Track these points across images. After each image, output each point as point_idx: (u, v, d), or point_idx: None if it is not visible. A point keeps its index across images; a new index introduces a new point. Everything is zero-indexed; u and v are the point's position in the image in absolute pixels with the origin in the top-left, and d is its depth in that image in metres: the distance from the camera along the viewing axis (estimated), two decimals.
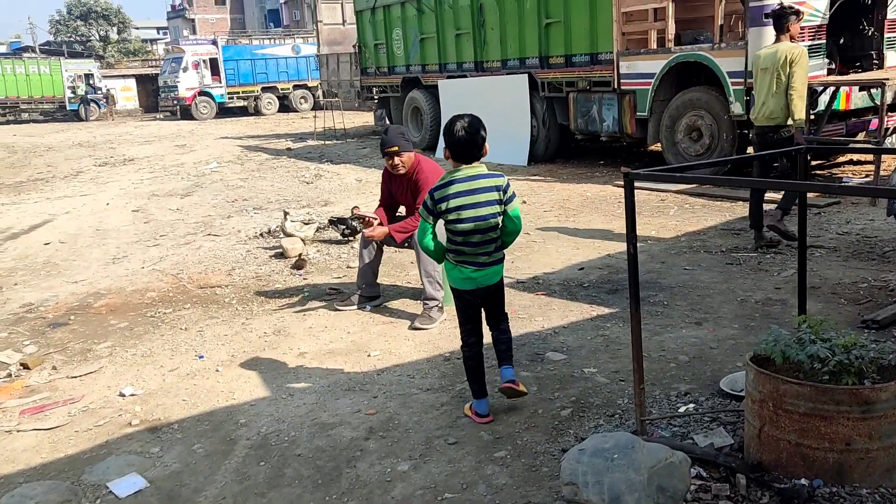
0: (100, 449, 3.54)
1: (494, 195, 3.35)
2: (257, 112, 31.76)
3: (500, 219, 3.38)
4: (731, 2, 8.82)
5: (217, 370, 4.37)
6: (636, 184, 2.99)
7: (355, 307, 5.21)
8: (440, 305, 4.88)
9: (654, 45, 9.25)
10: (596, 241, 6.73)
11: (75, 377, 4.45)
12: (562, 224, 7.54)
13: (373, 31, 15.01)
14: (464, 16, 12.35)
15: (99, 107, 35.67)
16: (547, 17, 10.69)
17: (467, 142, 3.32)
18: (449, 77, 13.03)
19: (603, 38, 9.87)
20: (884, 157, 7.87)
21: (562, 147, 11.70)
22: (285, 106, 32.25)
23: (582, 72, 10.33)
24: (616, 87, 9.78)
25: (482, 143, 3.36)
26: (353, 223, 7.11)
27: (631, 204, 2.98)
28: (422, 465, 3.13)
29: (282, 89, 32.34)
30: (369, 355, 4.41)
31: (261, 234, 7.87)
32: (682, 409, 3.38)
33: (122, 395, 4.13)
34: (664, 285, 5.29)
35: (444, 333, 4.67)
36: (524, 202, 8.74)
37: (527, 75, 11.19)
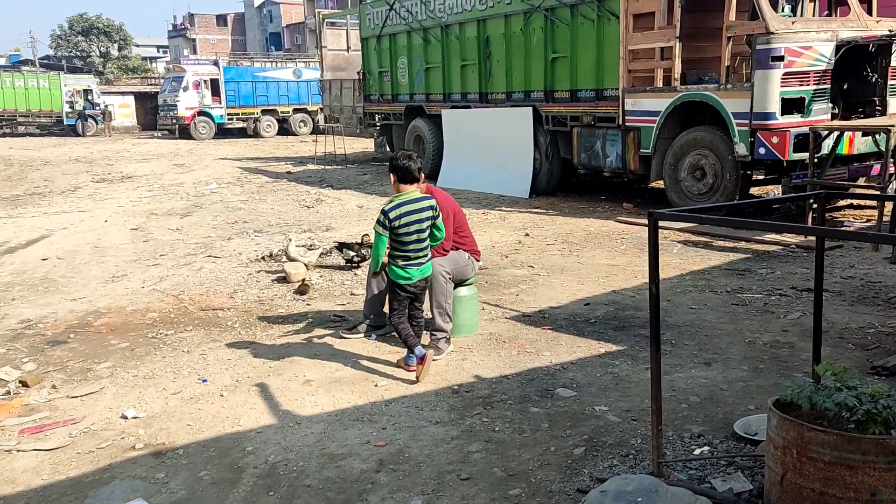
0: (103, 472, 3.47)
1: (429, 213, 4.49)
2: (256, 134, 31.83)
3: (430, 230, 4.55)
4: (738, 43, 8.94)
5: (222, 395, 4.31)
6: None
7: (361, 336, 5.17)
8: (448, 337, 4.84)
9: (660, 84, 9.33)
10: (601, 276, 6.72)
11: (76, 397, 4.38)
12: (565, 258, 7.55)
13: (378, 59, 15.12)
14: (470, 47, 12.47)
15: (96, 122, 35.70)
16: (553, 51, 10.81)
17: (410, 169, 4.49)
18: (453, 107, 13.11)
19: (609, 75, 9.97)
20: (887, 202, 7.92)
21: (563, 181, 11.75)
22: (284, 129, 32.34)
23: (587, 107, 10.41)
24: (621, 123, 9.85)
25: (419, 171, 4.55)
26: (363, 251, 7.13)
27: (655, 242, 2.98)
28: (435, 501, 3.07)
29: (281, 112, 32.46)
30: (376, 385, 4.36)
31: (262, 258, 7.83)
32: (697, 452, 3.35)
33: (124, 417, 4.06)
34: (671, 324, 5.27)
35: (451, 365, 4.63)
36: (527, 234, 8.75)
37: (531, 108, 11.28)
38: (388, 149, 16.27)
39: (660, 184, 10.25)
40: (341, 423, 3.86)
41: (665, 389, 4.10)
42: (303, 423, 3.88)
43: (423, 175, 4.60)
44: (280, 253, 7.68)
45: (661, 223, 3.04)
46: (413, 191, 4.51)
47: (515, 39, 11.47)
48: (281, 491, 3.21)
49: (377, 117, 15.86)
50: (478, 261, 5.30)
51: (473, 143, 12.57)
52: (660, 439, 3.06)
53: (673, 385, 4.20)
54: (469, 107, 12.73)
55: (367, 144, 21.24)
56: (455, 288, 5.08)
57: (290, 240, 7.41)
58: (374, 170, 16.23)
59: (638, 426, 3.67)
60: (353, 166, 17.51)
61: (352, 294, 6.37)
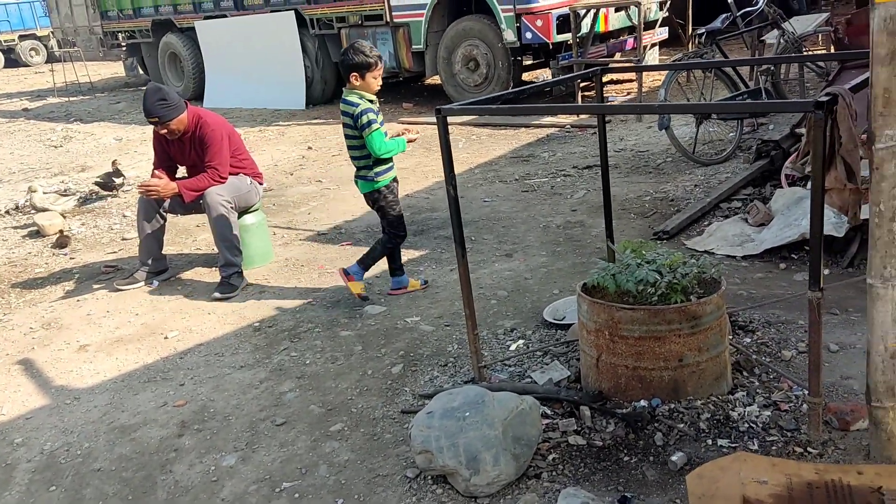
0: None
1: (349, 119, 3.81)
2: None
3: (358, 141, 3.82)
4: None
5: None
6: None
7: (141, 284, 4.59)
8: (240, 271, 4.43)
9: None
10: None
11: None
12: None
13: None
14: None
15: None
16: None
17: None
18: (206, 17, 11.92)
19: None
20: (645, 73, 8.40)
21: (340, 87, 11.24)
22: (13, 60, 27.98)
23: (352, 6, 9.89)
24: (388, 20, 9.49)
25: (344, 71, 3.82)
26: (115, 179, 6.51)
27: (446, 140, 2.79)
28: (251, 455, 2.78)
29: (5, 41, 28.00)
30: (166, 337, 3.89)
31: (6, 212, 6.71)
32: (512, 347, 3.33)
33: None
34: (468, 220, 5.23)
35: (249, 301, 4.25)
36: (310, 148, 8.30)
37: (293, 12, 10.52)
38: (140, 71, 14.64)
39: (437, 79, 10.13)
40: (130, 389, 3.39)
41: (473, 288, 4.05)
42: (83, 398, 3.36)
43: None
44: (27, 205, 6.62)
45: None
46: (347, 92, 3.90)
47: None
48: (65, 483, 2.74)
49: (121, 36, 14.10)
50: (261, 184, 4.86)
51: (237, 56, 11.58)
52: (477, 344, 2.98)
53: (479, 282, 4.16)
54: (224, 16, 11.65)
55: (115, 68, 18.99)
56: (240, 217, 4.63)
57: (35, 189, 6.39)
58: (129, 96, 14.54)
59: (452, 331, 3.58)
60: (102, 95, 15.57)
61: (123, 239, 5.65)
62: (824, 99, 1.97)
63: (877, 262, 2.00)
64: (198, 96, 12.41)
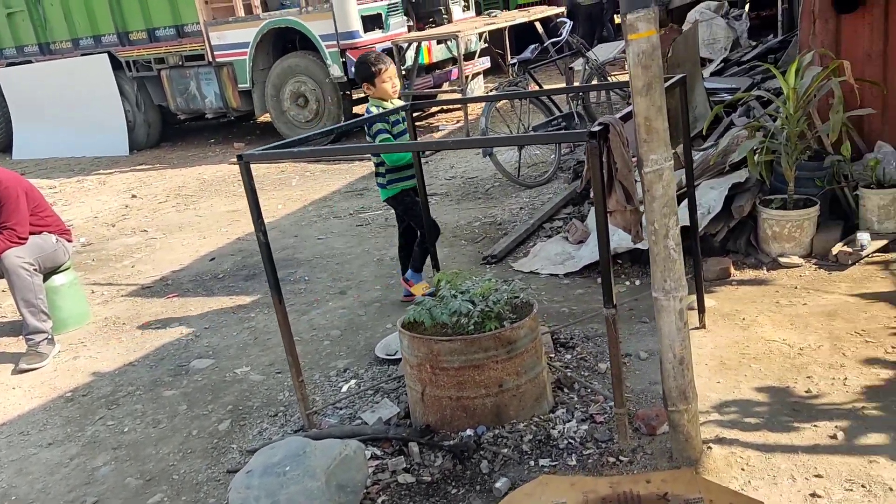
0: None
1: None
2: None
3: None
4: None
5: None
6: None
7: None
8: (50, 337, 4.07)
9: (241, 13, 8.89)
10: (223, 226, 6.30)
11: None
12: (182, 214, 6.93)
13: None
14: None
15: None
16: None
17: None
18: (10, 65, 11.07)
19: (186, 8, 9.18)
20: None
21: (165, 130, 10.80)
22: None
23: (170, 46, 9.52)
24: (211, 59, 9.23)
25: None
26: None
27: (251, 188, 2.71)
28: None
29: None
30: None
31: None
32: (344, 389, 3.27)
33: None
34: (302, 259, 5.14)
35: (60, 369, 3.92)
36: (134, 196, 7.86)
37: (106, 55, 9.98)
38: None
39: (268, 117, 9.96)
40: None
41: (305, 330, 3.98)
42: None
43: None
44: None
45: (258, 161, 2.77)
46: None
47: None
48: None
49: None
50: (70, 241, 4.52)
51: (48, 104, 10.80)
52: (304, 391, 2.90)
53: (313, 323, 4.08)
54: (30, 61, 10.86)
55: None
56: (48, 277, 4.28)
57: None
58: None
59: (283, 379, 3.47)
60: None
61: None
62: (596, 129, 2.09)
63: (658, 277, 2.14)
64: (5, 148, 11.48)
